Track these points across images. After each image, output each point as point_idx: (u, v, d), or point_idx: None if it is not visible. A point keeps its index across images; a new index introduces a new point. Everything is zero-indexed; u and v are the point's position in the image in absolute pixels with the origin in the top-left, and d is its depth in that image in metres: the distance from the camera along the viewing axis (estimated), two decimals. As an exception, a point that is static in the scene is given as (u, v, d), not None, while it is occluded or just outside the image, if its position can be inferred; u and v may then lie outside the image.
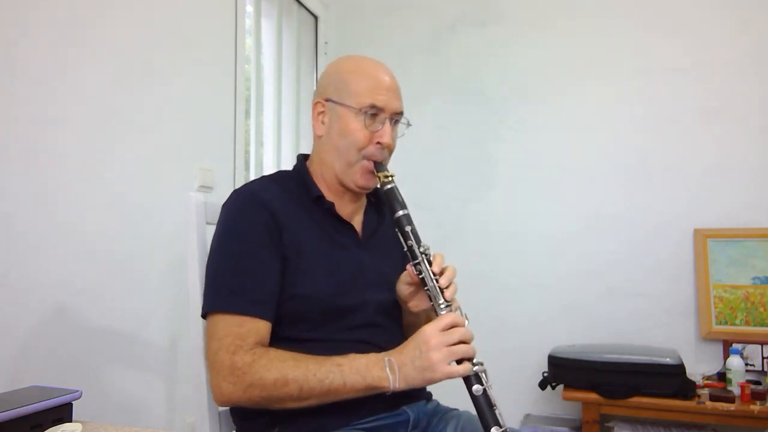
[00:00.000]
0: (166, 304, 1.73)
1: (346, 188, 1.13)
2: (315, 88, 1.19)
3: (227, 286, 1.00)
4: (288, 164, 2.59)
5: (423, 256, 1.02)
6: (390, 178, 1.08)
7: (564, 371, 2.12)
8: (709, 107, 2.34)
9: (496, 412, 0.92)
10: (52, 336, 1.37)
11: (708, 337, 2.24)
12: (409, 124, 1.16)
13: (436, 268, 1.01)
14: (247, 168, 2.26)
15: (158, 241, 1.70)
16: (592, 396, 2.04)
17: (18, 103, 1.32)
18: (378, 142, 1.09)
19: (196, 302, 1.10)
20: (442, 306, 0.99)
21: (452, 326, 0.95)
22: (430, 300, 1.01)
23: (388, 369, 0.94)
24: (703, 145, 2.34)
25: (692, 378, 2.01)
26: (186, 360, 1.77)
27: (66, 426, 0.86)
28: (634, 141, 2.44)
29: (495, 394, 0.94)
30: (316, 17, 2.83)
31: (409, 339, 0.97)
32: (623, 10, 2.49)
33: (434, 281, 1.00)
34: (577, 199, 2.50)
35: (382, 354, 0.96)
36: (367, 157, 1.09)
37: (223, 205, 1.08)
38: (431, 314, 1.04)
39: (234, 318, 0.97)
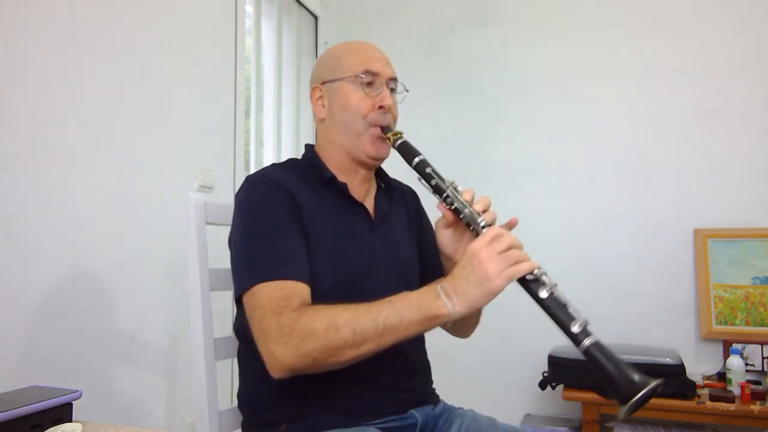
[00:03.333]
0: (166, 304, 1.73)
1: (359, 163, 1.11)
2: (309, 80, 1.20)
3: (260, 261, 0.97)
4: (288, 164, 2.59)
5: (450, 188, 0.99)
6: (399, 135, 1.07)
7: (564, 371, 2.11)
8: (709, 107, 2.34)
9: (570, 309, 0.87)
10: (52, 336, 1.37)
11: (708, 337, 2.24)
12: (406, 90, 1.15)
13: (467, 197, 0.99)
14: (247, 168, 2.26)
15: (158, 241, 1.70)
16: (592, 396, 2.04)
17: (18, 103, 1.32)
18: (380, 107, 1.08)
19: (196, 302, 1.10)
20: (482, 224, 0.95)
21: (498, 236, 0.90)
22: (469, 225, 0.97)
23: (443, 295, 0.88)
24: (703, 145, 2.34)
25: (692, 378, 2.01)
26: (186, 360, 1.77)
27: (66, 426, 0.86)
28: (634, 141, 2.43)
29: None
30: (316, 17, 2.83)
31: (456, 264, 0.91)
32: (623, 10, 2.49)
33: (469, 207, 0.97)
34: (577, 199, 2.50)
35: (434, 283, 0.91)
36: (372, 124, 1.08)
37: (238, 193, 1.05)
38: None
39: (273, 284, 0.93)
